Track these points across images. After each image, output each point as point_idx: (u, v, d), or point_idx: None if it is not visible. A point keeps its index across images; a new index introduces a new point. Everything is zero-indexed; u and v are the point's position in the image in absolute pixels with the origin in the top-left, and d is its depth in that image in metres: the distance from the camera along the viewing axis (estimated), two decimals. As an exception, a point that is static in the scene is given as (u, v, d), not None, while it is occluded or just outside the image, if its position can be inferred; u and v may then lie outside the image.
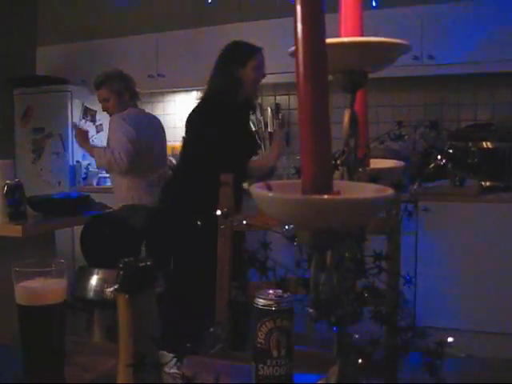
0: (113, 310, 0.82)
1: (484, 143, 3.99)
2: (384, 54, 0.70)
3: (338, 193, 0.51)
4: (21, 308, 1.07)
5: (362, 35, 0.73)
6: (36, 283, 1.08)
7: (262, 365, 1.01)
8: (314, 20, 0.53)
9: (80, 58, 5.34)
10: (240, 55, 3.15)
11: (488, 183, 3.90)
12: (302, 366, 1.06)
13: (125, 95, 3.79)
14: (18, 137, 5.35)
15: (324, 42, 0.52)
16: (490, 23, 3.98)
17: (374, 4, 4.01)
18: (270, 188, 0.54)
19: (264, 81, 4.64)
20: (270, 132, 5.04)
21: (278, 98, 5.06)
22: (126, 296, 0.74)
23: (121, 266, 0.77)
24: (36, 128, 5.22)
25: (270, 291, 1.02)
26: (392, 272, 0.71)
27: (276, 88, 4.95)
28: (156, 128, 3.87)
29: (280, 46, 4.22)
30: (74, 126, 3.94)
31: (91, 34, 5.33)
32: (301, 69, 0.51)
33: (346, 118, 0.71)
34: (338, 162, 0.69)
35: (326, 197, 0.48)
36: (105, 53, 5.23)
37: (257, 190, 0.52)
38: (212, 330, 0.68)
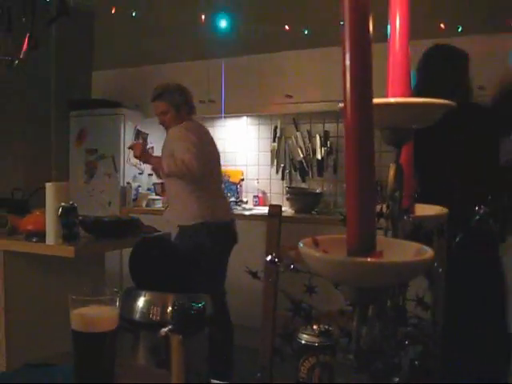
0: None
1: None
2: (429, 112, 0.73)
3: (381, 253, 0.54)
4: (75, 334, 1.12)
5: (408, 92, 0.76)
6: (90, 311, 1.13)
7: (303, 399, 1.03)
8: (363, 81, 0.57)
9: (133, 83, 5.48)
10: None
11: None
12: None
13: (183, 108, 3.73)
14: (72, 157, 5.51)
15: (371, 107, 0.56)
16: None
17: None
18: (316, 243, 0.58)
19: (313, 108, 4.72)
20: (318, 159, 5.06)
21: (326, 125, 5.09)
22: (180, 337, 0.78)
23: (175, 307, 0.81)
24: (89, 149, 5.38)
25: (314, 327, 1.04)
26: (432, 320, 0.73)
27: (325, 115, 4.98)
28: (213, 141, 3.85)
29: (330, 75, 4.27)
30: (130, 147, 3.92)
31: (145, 60, 5.47)
32: (348, 137, 0.55)
33: (392, 172, 0.74)
34: (384, 213, 0.73)
35: (369, 260, 0.52)
36: (157, 78, 5.34)
37: (304, 247, 0.56)
38: (258, 375, 0.71)
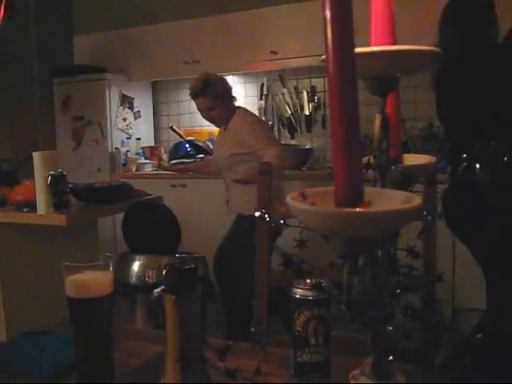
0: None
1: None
2: (414, 60, 0.72)
3: (369, 203, 0.54)
4: (71, 300, 1.13)
5: (392, 40, 0.75)
6: (84, 276, 1.13)
7: (300, 352, 1.04)
8: (344, 33, 0.56)
9: (116, 46, 5.41)
10: None
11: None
12: (339, 351, 1.09)
13: (227, 97, 3.52)
14: (58, 125, 5.46)
15: (353, 58, 0.55)
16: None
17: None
18: (304, 196, 0.58)
19: (299, 63, 4.67)
20: (306, 115, 5.04)
21: (313, 80, 5.05)
22: (173, 297, 0.78)
23: (167, 268, 0.82)
24: (75, 116, 5.33)
25: (307, 281, 1.05)
26: (424, 268, 0.74)
27: (311, 71, 4.94)
28: None
29: (315, 29, 4.22)
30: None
31: (126, 22, 5.38)
32: (332, 88, 0.54)
33: (378, 123, 0.74)
34: (372, 163, 0.72)
35: (357, 210, 0.52)
36: (141, 40, 5.29)
37: (291, 201, 0.55)
38: (253, 329, 0.72)
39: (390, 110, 0.78)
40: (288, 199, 0.56)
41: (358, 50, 0.64)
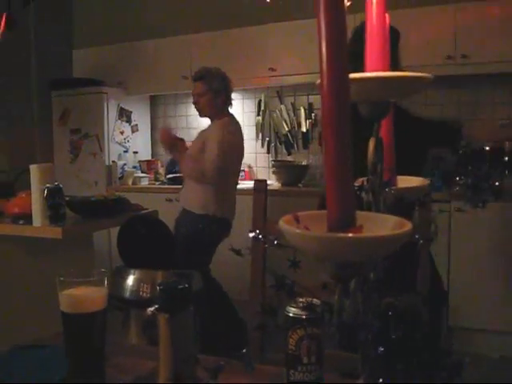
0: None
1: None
2: (407, 86, 0.73)
3: (361, 228, 0.55)
4: (65, 315, 1.13)
5: (386, 65, 0.77)
6: (78, 292, 1.14)
7: (292, 371, 1.05)
8: (338, 58, 0.57)
9: (115, 60, 5.44)
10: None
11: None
12: (332, 369, 1.10)
13: (221, 96, 3.67)
14: (56, 138, 5.47)
15: (347, 83, 0.56)
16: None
17: (406, 4, 3.89)
18: (297, 219, 0.59)
19: (297, 80, 4.70)
20: (303, 132, 5.06)
21: (310, 97, 5.08)
22: (166, 316, 0.79)
23: (161, 287, 0.82)
24: (73, 129, 5.34)
25: (301, 300, 1.05)
26: (416, 289, 0.75)
27: (309, 88, 4.97)
28: (242, 138, 3.84)
29: (314, 47, 4.26)
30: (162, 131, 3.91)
31: (126, 37, 5.41)
32: (325, 112, 0.55)
33: (371, 147, 0.75)
34: (365, 186, 0.73)
35: (348, 235, 0.53)
36: (139, 54, 5.32)
37: (284, 224, 0.56)
38: (244, 351, 0.73)
39: (383, 134, 0.79)
40: (281, 222, 0.57)
41: (352, 75, 0.66)
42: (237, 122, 3.77)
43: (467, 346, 3.80)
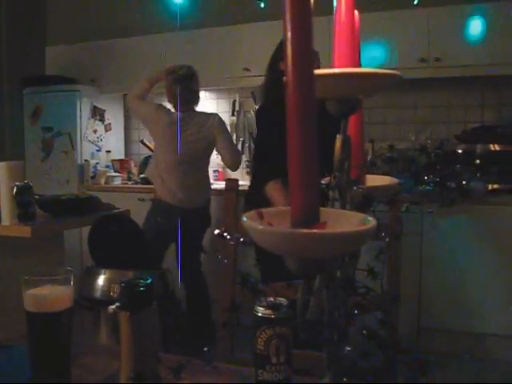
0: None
1: (491, 145, 4.00)
2: (375, 83, 0.73)
3: (325, 224, 0.54)
4: (29, 314, 1.11)
5: (355, 62, 0.76)
6: (44, 291, 1.12)
7: (261, 370, 1.04)
8: (303, 54, 0.56)
9: (89, 58, 5.38)
10: (277, 49, 3.17)
11: (495, 186, 3.91)
12: (300, 369, 1.09)
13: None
14: (27, 136, 5.40)
15: (312, 79, 0.56)
16: (497, 25, 3.98)
17: (380, 7, 3.94)
18: (261, 216, 0.58)
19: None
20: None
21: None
22: (127, 313, 0.78)
23: (122, 284, 0.81)
24: (45, 127, 5.27)
25: (270, 299, 1.04)
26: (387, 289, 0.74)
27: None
28: None
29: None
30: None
31: (100, 34, 5.36)
32: (290, 109, 0.54)
33: (338, 143, 0.74)
34: (331, 184, 0.73)
35: (310, 231, 0.52)
36: (113, 53, 5.27)
37: (247, 220, 0.55)
38: (205, 349, 0.72)
39: (352, 132, 0.79)
40: (244, 218, 0.56)
41: (319, 71, 0.65)
42: None
43: (438, 346, 3.85)
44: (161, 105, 4.01)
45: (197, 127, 3.83)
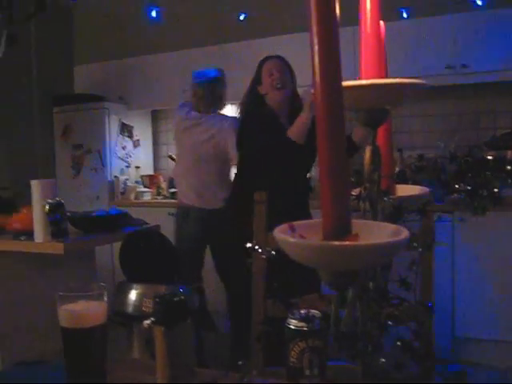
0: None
1: (522, 151, 3.96)
2: (402, 93, 0.73)
3: (357, 236, 0.54)
4: (64, 330, 1.12)
5: (382, 73, 0.76)
6: (78, 307, 1.13)
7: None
8: (331, 65, 0.56)
9: (116, 76, 5.46)
10: (256, 72, 3.19)
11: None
12: (335, 381, 1.09)
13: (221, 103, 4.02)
14: (58, 153, 5.49)
15: (340, 90, 0.56)
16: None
17: (404, 15, 3.96)
18: (293, 229, 0.58)
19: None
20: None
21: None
22: (162, 328, 0.78)
23: (157, 299, 0.81)
24: (75, 144, 5.35)
25: (303, 311, 1.04)
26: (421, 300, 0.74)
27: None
28: None
29: (301, 60, 4.27)
30: None
31: (126, 52, 5.43)
32: (319, 122, 0.55)
33: (368, 154, 0.74)
34: (362, 195, 0.73)
35: (344, 243, 0.52)
36: (140, 69, 5.34)
37: (279, 233, 0.56)
38: (240, 363, 0.72)
39: (381, 141, 0.79)
40: (276, 232, 0.56)
41: (347, 83, 0.65)
42: None
43: (473, 356, 3.79)
44: (184, 104, 4.05)
45: (209, 129, 3.84)
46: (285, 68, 3.18)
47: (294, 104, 3.06)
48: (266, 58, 3.26)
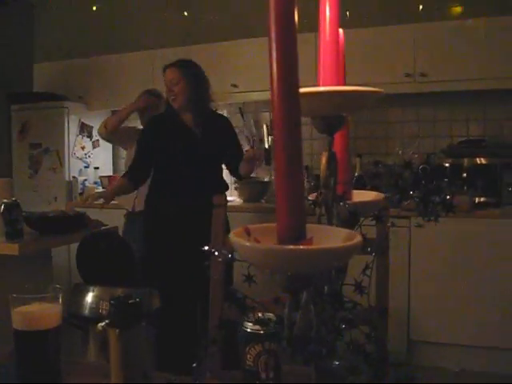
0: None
1: (477, 159, 4.04)
2: (359, 101, 0.74)
3: (311, 240, 0.55)
4: (17, 333, 1.11)
5: (340, 81, 0.77)
6: (32, 308, 1.12)
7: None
8: (288, 71, 0.57)
9: (76, 75, 5.39)
10: None
11: (481, 199, 3.95)
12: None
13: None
14: (15, 152, 5.39)
15: (297, 97, 0.57)
16: (481, 41, 4.04)
17: (364, 24, 4.00)
18: (248, 232, 0.59)
19: (259, 97, 4.71)
20: (265, 148, 5.07)
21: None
22: (116, 331, 0.78)
23: (111, 302, 0.81)
24: (33, 143, 5.26)
25: (259, 315, 1.04)
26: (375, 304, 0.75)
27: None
28: None
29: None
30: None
31: (87, 51, 5.37)
32: (276, 129, 0.55)
33: (324, 160, 0.75)
34: (317, 200, 0.74)
35: (298, 247, 0.53)
36: (101, 69, 5.28)
37: (235, 237, 0.56)
38: (194, 365, 0.72)
39: (338, 147, 0.80)
40: (231, 235, 0.57)
41: (304, 89, 0.66)
42: None
43: (428, 359, 3.85)
44: None
45: None
46: (180, 76, 3.44)
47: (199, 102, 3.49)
48: (165, 68, 3.52)
